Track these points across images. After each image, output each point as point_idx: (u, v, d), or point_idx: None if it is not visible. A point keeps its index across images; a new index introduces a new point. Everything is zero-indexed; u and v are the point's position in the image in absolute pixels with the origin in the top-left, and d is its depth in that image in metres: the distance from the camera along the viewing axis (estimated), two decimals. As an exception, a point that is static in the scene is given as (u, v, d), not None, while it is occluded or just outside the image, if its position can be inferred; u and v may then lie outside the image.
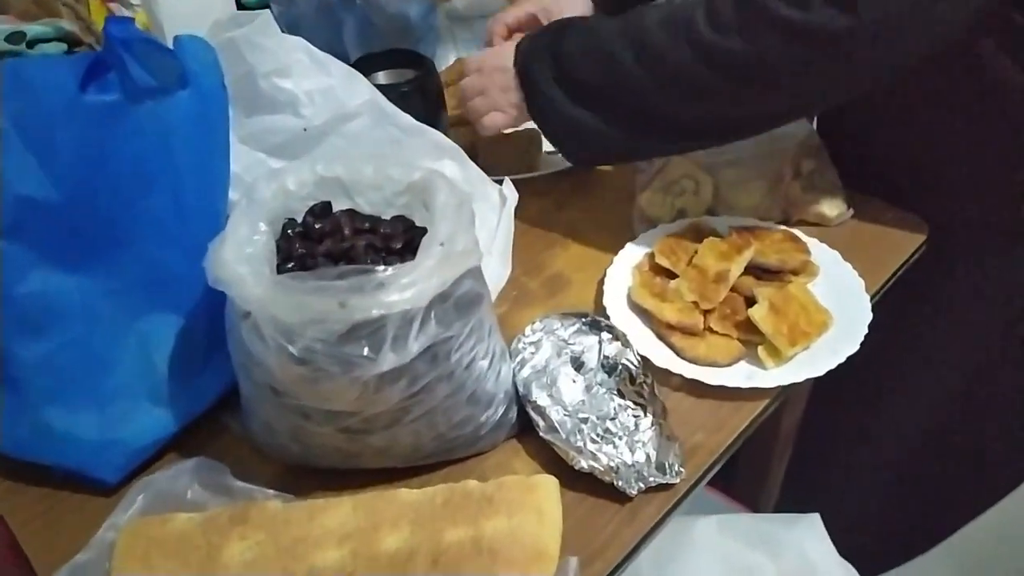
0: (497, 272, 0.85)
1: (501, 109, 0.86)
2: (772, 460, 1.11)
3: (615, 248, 0.88)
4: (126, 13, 1.30)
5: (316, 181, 0.66)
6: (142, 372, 0.69)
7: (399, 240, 0.64)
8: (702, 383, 0.73)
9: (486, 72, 0.87)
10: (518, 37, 0.87)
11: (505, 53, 0.85)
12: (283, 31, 1.14)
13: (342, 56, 1.13)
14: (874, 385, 1.03)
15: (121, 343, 0.68)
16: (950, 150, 0.87)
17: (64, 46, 1.10)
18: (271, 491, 0.66)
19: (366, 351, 0.53)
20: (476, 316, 0.61)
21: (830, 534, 0.92)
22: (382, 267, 0.52)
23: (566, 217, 0.96)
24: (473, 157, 0.90)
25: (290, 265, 0.62)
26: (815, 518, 0.90)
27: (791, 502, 1.16)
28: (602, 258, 0.89)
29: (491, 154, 0.99)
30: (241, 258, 0.57)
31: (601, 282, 0.85)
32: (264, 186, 0.65)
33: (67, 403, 0.67)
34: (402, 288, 0.52)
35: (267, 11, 0.74)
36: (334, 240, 0.65)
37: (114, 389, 0.68)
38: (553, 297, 0.86)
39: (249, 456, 0.71)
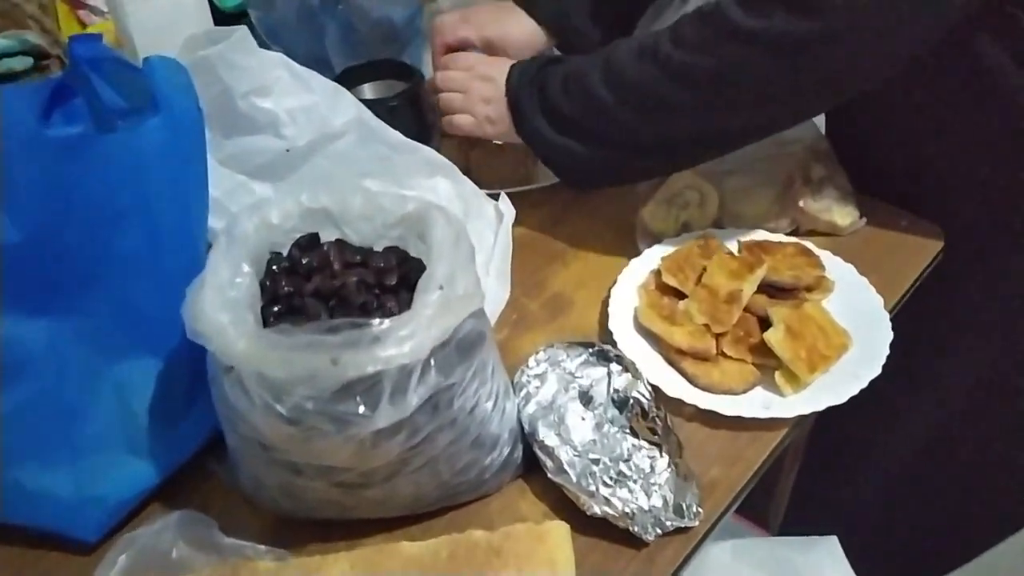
0: (495, 294, 0.80)
1: (474, 115, 0.85)
2: (781, 473, 1.08)
3: (618, 264, 0.84)
4: (96, 20, 1.25)
5: (301, 213, 0.61)
6: (119, 421, 0.64)
7: (393, 275, 0.60)
8: (717, 413, 0.69)
9: (475, 75, 0.85)
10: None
11: (498, 66, 0.83)
12: (262, 38, 1.10)
13: (324, 63, 1.08)
14: (882, 392, 1.00)
15: (95, 390, 0.64)
16: (955, 151, 0.84)
17: (30, 60, 1.04)
18: (262, 547, 0.62)
19: (362, 409, 0.49)
20: (479, 357, 0.57)
21: (846, 554, 0.89)
22: (377, 320, 0.47)
23: (565, 231, 0.91)
24: (465, 171, 0.86)
25: (276, 308, 0.57)
26: (833, 541, 0.87)
27: (801, 517, 1.13)
28: (604, 275, 0.85)
29: (484, 167, 0.94)
30: (222, 305, 0.52)
31: (605, 302, 0.81)
32: (246, 220, 0.60)
33: (39, 459, 0.62)
34: (400, 341, 0.47)
35: (243, 27, 0.69)
36: (323, 276, 0.60)
37: (90, 441, 0.63)
38: (555, 320, 0.82)
39: (238, 505, 0.66)
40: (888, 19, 0.65)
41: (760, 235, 0.84)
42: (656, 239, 0.86)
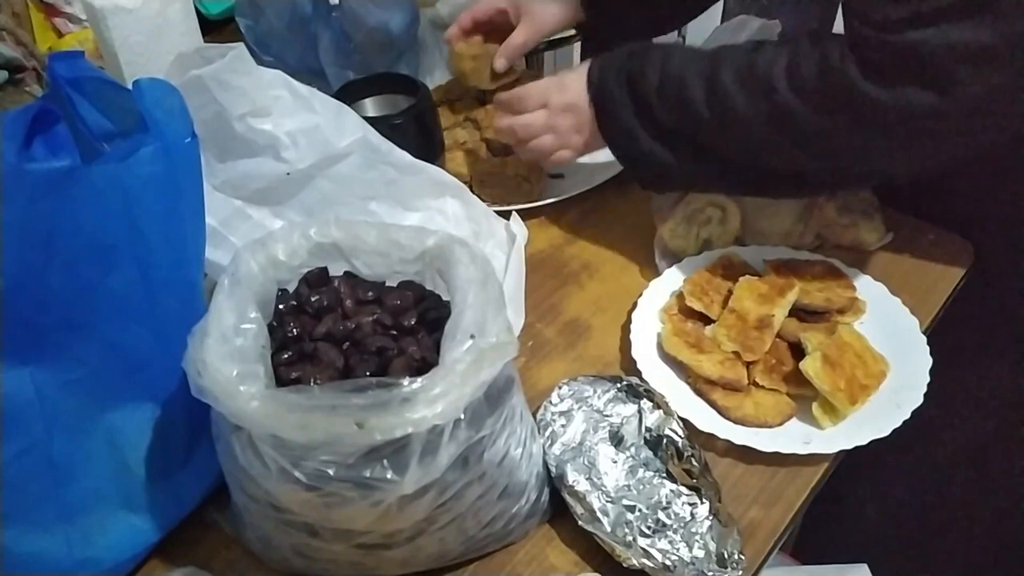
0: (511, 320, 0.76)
1: (570, 147, 0.81)
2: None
3: (636, 285, 0.80)
4: (73, 28, 1.19)
5: (311, 248, 0.56)
6: (114, 475, 0.59)
7: (411, 315, 0.55)
8: (754, 450, 0.65)
9: (554, 110, 0.80)
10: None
11: (571, 87, 0.78)
12: (251, 47, 1.04)
13: (318, 73, 1.03)
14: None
15: (87, 443, 0.58)
16: (983, 163, 0.80)
17: (5, 74, 0.98)
18: (273, 609, 0.57)
19: (389, 474, 0.44)
20: (508, 404, 0.53)
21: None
22: (407, 380, 0.43)
23: (578, 251, 0.87)
24: (469, 188, 0.82)
25: (286, 356, 0.52)
26: (863, 570, 0.83)
27: (820, 538, 1.10)
28: (623, 297, 0.81)
29: (488, 185, 0.89)
30: (228, 355, 0.48)
31: (625, 327, 0.77)
32: (249, 257, 0.55)
33: (28, 520, 0.57)
34: (431, 401, 0.43)
35: (240, 45, 0.64)
36: (334, 317, 0.55)
37: (82, 498, 0.58)
38: (573, 347, 0.77)
39: (243, 558, 0.62)
40: (1014, 95, 0.61)
41: (784, 253, 0.81)
42: (676, 258, 0.81)
